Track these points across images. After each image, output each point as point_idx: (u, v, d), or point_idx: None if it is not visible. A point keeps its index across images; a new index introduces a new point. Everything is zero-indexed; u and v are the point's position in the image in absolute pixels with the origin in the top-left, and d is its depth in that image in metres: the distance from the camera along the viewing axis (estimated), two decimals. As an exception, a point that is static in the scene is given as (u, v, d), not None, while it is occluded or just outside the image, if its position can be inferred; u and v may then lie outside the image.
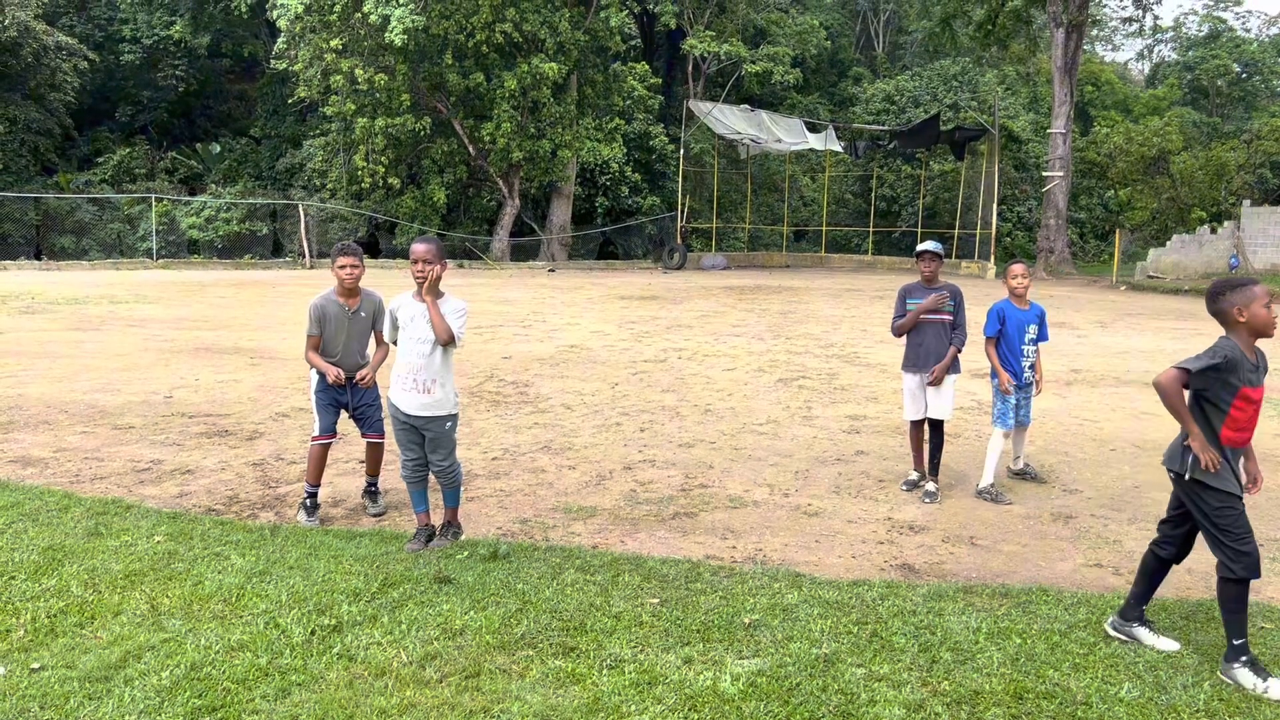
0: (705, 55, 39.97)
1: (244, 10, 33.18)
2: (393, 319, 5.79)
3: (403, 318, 5.70)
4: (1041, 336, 7.42)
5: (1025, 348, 7.28)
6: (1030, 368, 7.35)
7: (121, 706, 3.81)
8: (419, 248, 5.57)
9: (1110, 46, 79.69)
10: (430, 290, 5.54)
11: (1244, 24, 68.51)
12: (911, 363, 7.27)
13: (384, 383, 6.01)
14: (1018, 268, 7.40)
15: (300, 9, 29.90)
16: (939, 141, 38.66)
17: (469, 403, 10.16)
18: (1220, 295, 4.42)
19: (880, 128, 41.32)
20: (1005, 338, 7.28)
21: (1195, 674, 4.27)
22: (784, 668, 4.22)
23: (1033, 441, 8.47)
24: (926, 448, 7.26)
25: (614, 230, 38.41)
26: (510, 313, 19.08)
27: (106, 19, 37.45)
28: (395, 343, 5.82)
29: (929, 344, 7.16)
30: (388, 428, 6.23)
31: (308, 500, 6.33)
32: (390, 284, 24.35)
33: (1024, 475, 7.68)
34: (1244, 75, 61.25)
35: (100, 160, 35.03)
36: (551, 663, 4.23)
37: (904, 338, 7.39)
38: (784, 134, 36.91)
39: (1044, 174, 36.91)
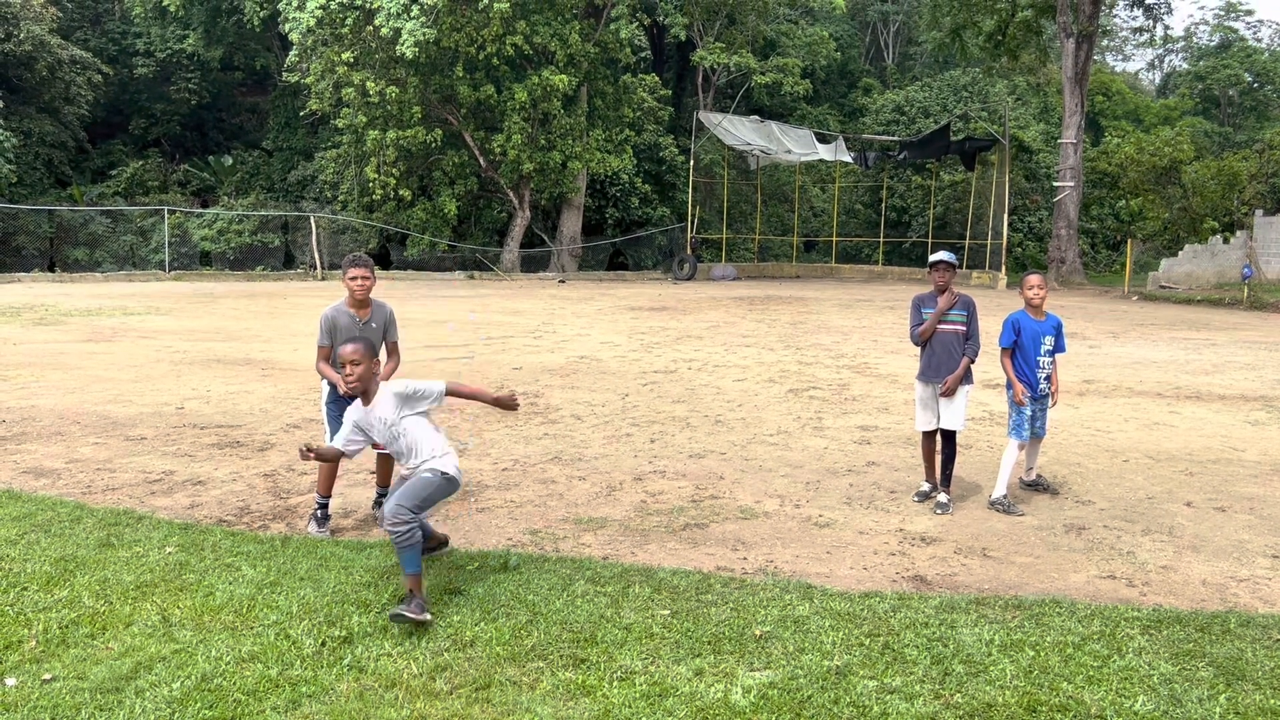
0: (715, 67, 40.05)
1: (256, 24, 33.41)
2: (356, 429, 5.33)
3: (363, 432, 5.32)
4: (1058, 348, 7.36)
5: (1041, 359, 7.23)
6: (1046, 379, 7.30)
7: (132, 717, 3.81)
8: (346, 350, 5.18)
9: (1121, 57, 79.61)
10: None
11: (1255, 34, 68.26)
12: (924, 373, 7.25)
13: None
14: (1034, 278, 7.34)
15: (312, 22, 30.06)
16: (949, 152, 38.61)
17: (479, 413, 10.16)
18: None
19: (890, 138, 41.31)
20: (1021, 349, 7.23)
21: (1211, 687, 4.23)
22: (795, 680, 4.19)
23: (1045, 452, 8.43)
24: (938, 459, 7.23)
25: (624, 241, 38.46)
26: (521, 324, 19.10)
27: (120, 33, 37.77)
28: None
29: (941, 354, 7.13)
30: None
31: (318, 511, 6.34)
32: (401, 295, 24.45)
33: (1036, 486, 7.64)
34: (1256, 85, 61.08)
35: (113, 173, 35.28)
36: (562, 674, 4.22)
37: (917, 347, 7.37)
38: (794, 145, 36.94)
39: (1055, 184, 36.84)
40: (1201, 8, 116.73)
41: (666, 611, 4.93)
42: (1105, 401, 11.60)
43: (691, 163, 36.39)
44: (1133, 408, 11.22)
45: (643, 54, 42.39)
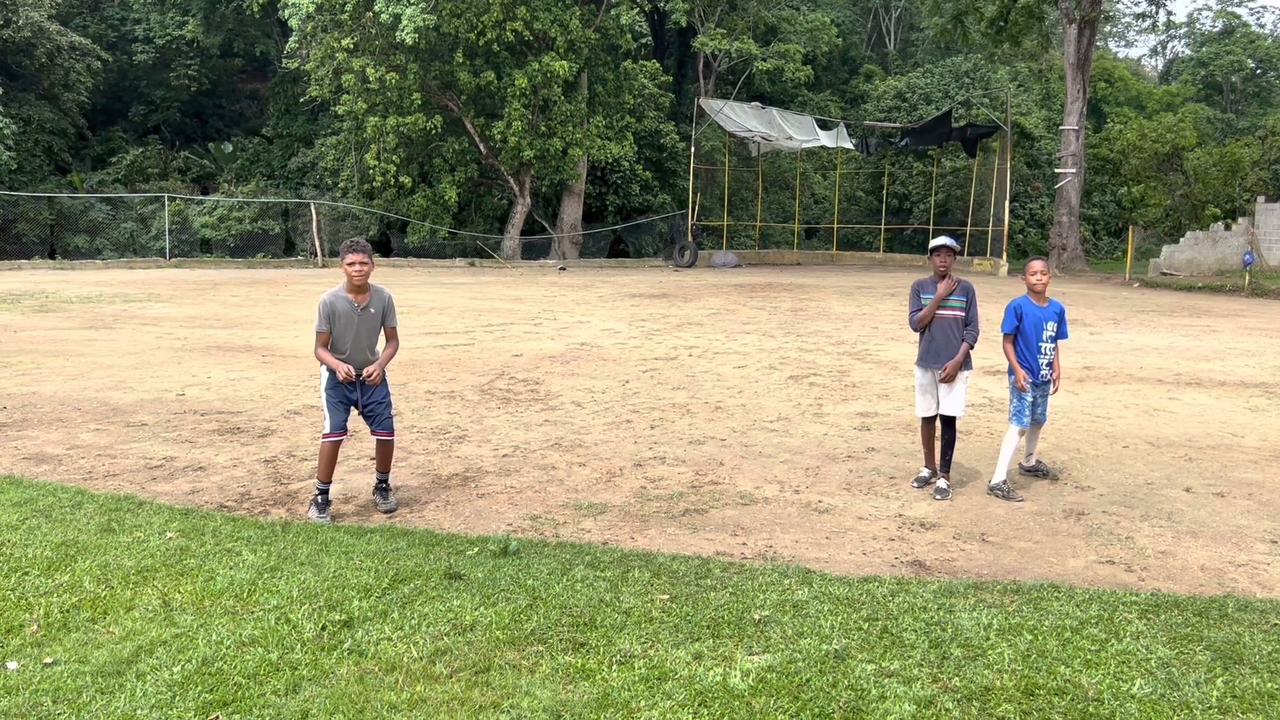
0: (716, 53, 39.92)
1: (255, 10, 33.28)
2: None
3: None
4: (1061, 334, 7.35)
5: (1043, 345, 7.22)
6: (1048, 365, 7.29)
7: (133, 701, 3.82)
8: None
9: (1123, 43, 79.37)
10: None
11: (1258, 19, 68.23)
12: (924, 358, 7.25)
13: (394, 380, 6.01)
14: (1037, 264, 7.33)
15: (311, 8, 29.97)
16: (951, 138, 38.53)
17: (479, 400, 10.17)
18: None
19: (892, 125, 41.20)
20: (1023, 335, 7.22)
21: (1208, 670, 4.24)
22: (794, 664, 4.21)
23: (1044, 438, 8.44)
24: (938, 445, 7.23)
25: (625, 228, 38.40)
26: (521, 311, 19.10)
27: (119, 19, 37.62)
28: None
29: (941, 340, 7.12)
30: (398, 425, 6.24)
31: (319, 497, 6.35)
32: (400, 281, 24.42)
33: (1036, 472, 7.65)
34: (1258, 71, 60.90)
35: (113, 160, 35.19)
36: (561, 658, 4.23)
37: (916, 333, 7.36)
38: (795, 131, 36.84)
39: (1056, 171, 36.75)
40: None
41: (666, 596, 4.94)
42: (1105, 388, 11.60)
43: (692, 149, 36.31)
44: (1133, 394, 11.22)
45: (643, 40, 42.26)
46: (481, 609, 4.71)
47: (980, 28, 40.01)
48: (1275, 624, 4.76)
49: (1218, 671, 4.23)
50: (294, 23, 31.19)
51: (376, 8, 29.15)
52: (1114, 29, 72.22)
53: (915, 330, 7.31)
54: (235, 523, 6.06)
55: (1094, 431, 9.25)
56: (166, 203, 31.54)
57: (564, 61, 31.30)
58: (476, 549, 5.60)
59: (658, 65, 40.18)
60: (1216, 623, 4.75)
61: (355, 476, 7.29)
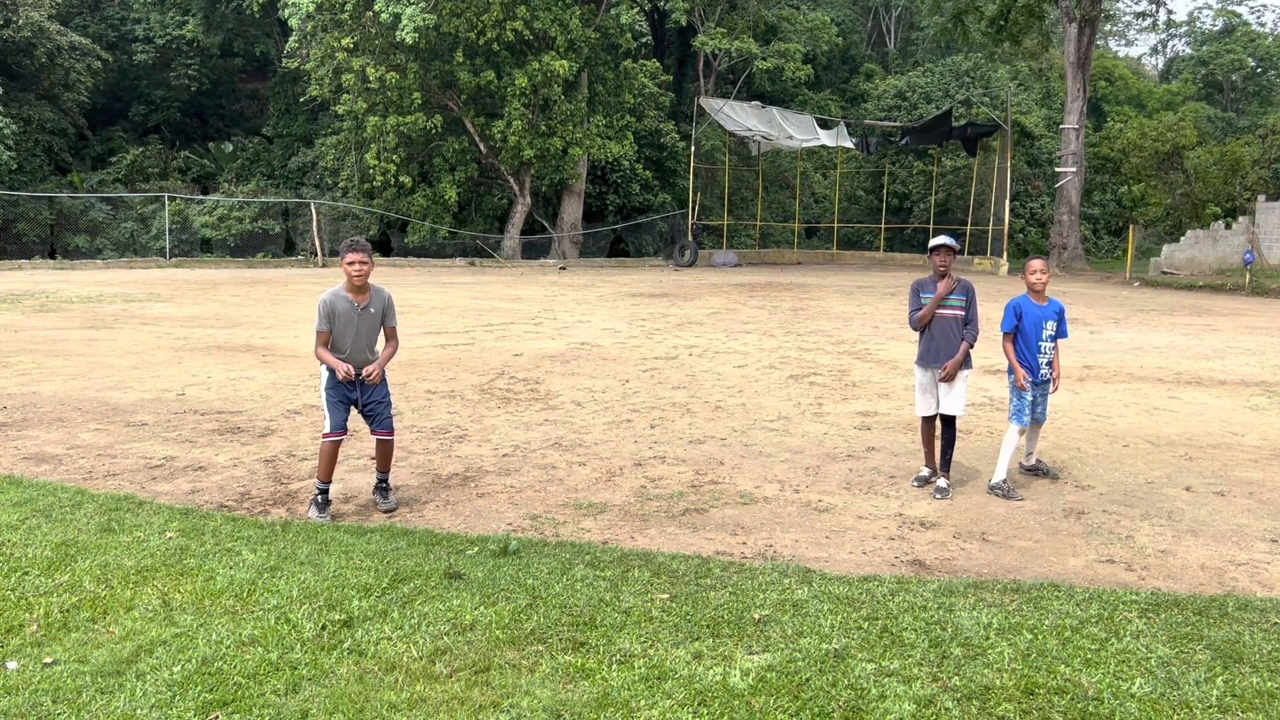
0: (716, 52, 39.91)
1: (255, 9, 33.30)
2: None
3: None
4: (1061, 333, 7.35)
5: (1043, 344, 7.22)
6: (1048, 364, 7.29)
7: (133, 700, 3.82)
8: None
9: (1124, 41, 79.37)
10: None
11: (1259, 18, 68.17)
12: (924, 358, 7.24)
13: (394, 380, 6.01)
14: (1036, 263, 7.33)
15: (311, 8, 29.97)
16: (951, 137, 38.53)
17: (479, 399, 10.17)
18: None
19: (892, 124, 41.19)
20: (1022, 334, 7.22)
21: (1208, 669, 4.24)
22: (794, 663, 4.20)
23: (1045, 437, 8.43)
24: (938, 444, 7.23)
25: (625, 228, 38.40)
26: (521, 310, 19.10)
27: (119, 19, 37.63)
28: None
29: (941, 339, 7.12)
30: (398, 425, 6.23)
31: (319, 496, 6.35)
32: (401, 281, 24.41)
33: (1036, 471, 7.65)
34: (1259, 70, 60.89)
35: (114, 160, 35.20)
36: (561, 658, 4.23)
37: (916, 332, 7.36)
38: (795, 130, 36.85)
39: (1057, 170, 36.75)
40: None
41: (666, 595, 4.94)
42: (1106, 387, 11.60)
43: (693, 149, 36.30)
44: (1133, 393, 11.22)
45: (643, 39, 42.27)
46: (481, 608, 4.71)
47: (980, 27, 40.00)
48: (1275, 623, 4.76)
49: (1218, 670, 4.23)
50: (294, 22, 31.20)
51: (376, 7, 29.15)
52: (1114, 28, 72.26)
53: (915, 329, 7.30)
54: (235, 522, 6.05)
55: (1094, 430, 9.24)
56: (166, 202, 31.55)
57: (564, 61, 31.30)
58: (476, 549, 5.60)
59: (658, 64, 40.19)
60: (1216, 622, 4.75)
61: (355, 476, 7.29)
